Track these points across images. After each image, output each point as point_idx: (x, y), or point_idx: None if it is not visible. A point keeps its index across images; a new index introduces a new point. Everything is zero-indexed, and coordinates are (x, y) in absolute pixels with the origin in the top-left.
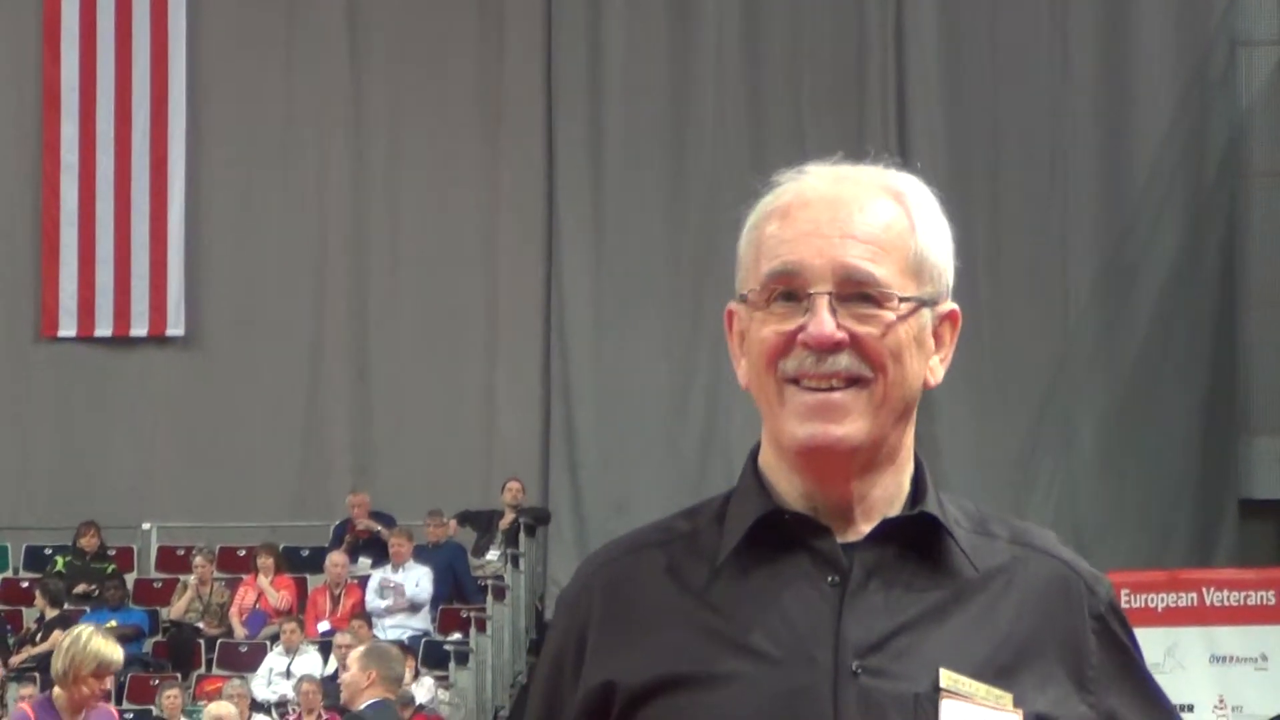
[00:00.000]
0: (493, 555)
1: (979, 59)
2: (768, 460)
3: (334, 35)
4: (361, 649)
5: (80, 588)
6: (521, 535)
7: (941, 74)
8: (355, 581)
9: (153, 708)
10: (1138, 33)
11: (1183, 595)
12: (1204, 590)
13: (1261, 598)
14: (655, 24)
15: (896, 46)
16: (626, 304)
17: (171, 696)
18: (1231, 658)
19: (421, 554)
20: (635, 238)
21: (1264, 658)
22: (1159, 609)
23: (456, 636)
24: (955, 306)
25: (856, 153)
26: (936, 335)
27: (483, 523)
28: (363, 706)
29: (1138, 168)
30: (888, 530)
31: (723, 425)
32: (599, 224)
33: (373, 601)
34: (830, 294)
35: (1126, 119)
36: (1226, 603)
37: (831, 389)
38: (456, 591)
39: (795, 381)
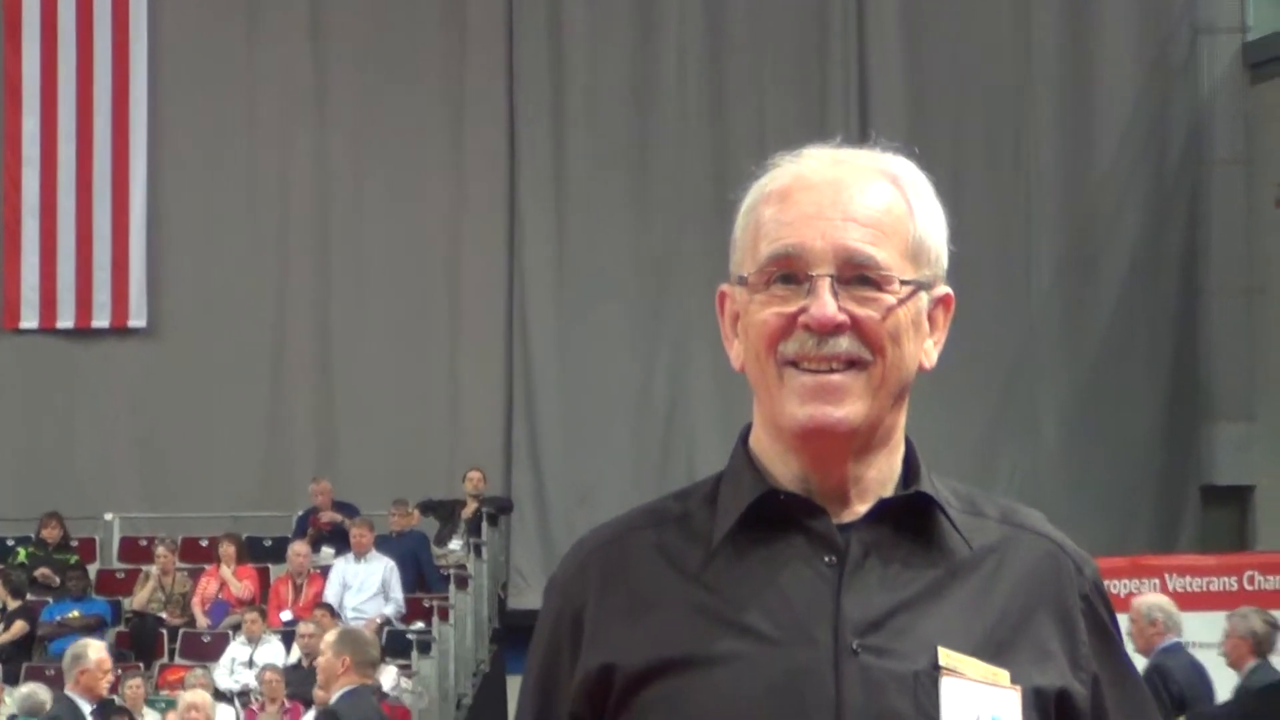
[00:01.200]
0: (455, 544)
1: (941, 47)
2: (760, 442)
3: (296, 29)
4: (334, 634)
5: (41, 571)
6: (484, 525)
7: (904, 62)
8: (318, 571)
9: (115, 698)
10: (1100, 20)
11: (1145, 581)
12: (1166, 576)
13: (1223, 583)
14: (617, 17)
15: (858, 34)
16: (589, 295)
17: (134, 686)
18: (1194, 643)
19: (384, 544)
20: (598, 229)
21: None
22: (1121, 594)
23: (419, 625)
24: (949, 290)
25: (819, 141)
26: (931, 318)
27: (445, 512)
28: (337, 695)
29: (1100, 155)
30: (884, 510)
31: (685, 417)
32: (562, 215)
33: (335, 593)
34: (832, 276)
35: (1089, 106)
36: (1189, 588)
37: (831, 371)
38: (419, 581)
39: (795, 364)
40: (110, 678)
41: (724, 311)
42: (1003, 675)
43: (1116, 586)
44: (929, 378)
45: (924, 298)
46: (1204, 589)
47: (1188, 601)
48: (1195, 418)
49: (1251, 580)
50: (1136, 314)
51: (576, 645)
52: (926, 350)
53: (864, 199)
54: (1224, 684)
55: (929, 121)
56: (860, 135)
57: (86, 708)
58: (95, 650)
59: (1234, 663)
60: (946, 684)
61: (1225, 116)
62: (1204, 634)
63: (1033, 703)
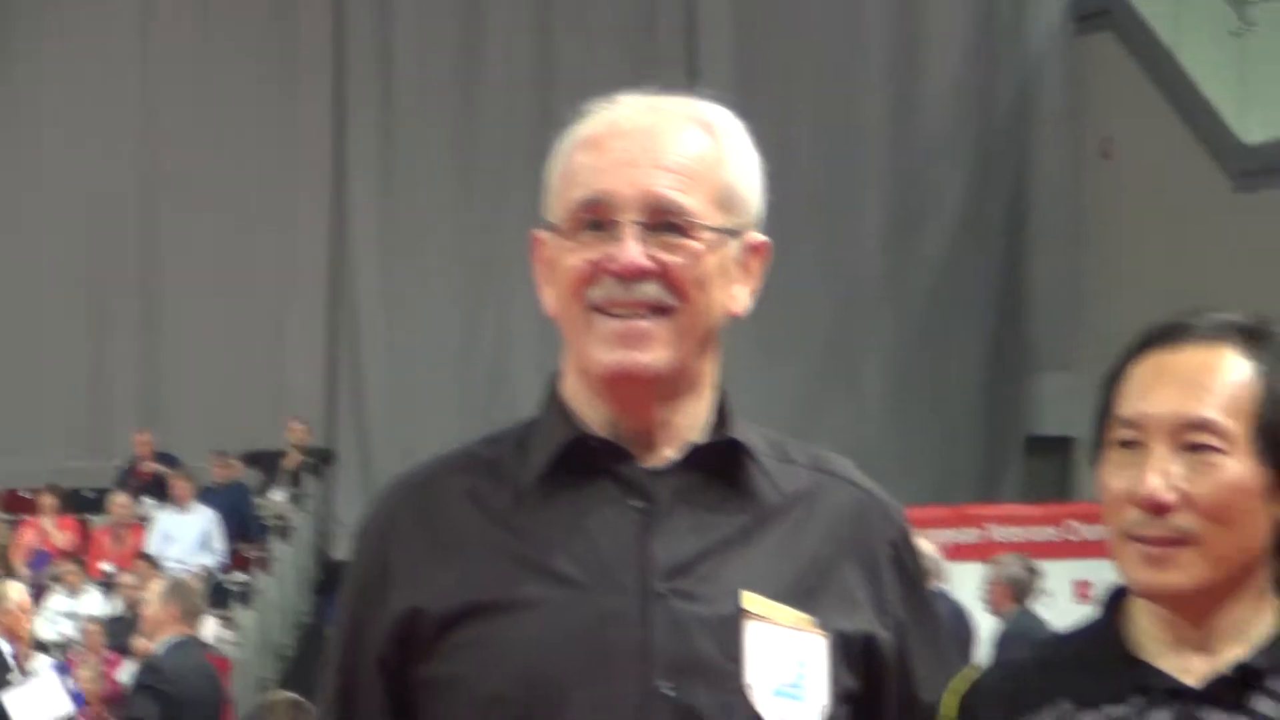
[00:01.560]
0: (278, 495)
1: (770, 3)
2: (571, 388)
3: None
4: (164, 583)
5: None
6: (307, 476)
7: (733, 16)
8: (139, 522)
9: None
10: None
11: (966, 531)
12: (987, 526)
13: (1044, 533)
14: None
15: None
16: (414, 246)
17: None
18: None
19: (206, 494)
20: (424, 179)
21: (1047, 593)
22: (943, 544)
23: (241, 576)
24: (764, 238)
25: (645, 77)
26: (743, 266)
27: (268, 463)
28: (161, 644)
29: (927, 108)
30: (693, 456)
31: (510, 369)
32: (387, 165)
33: (156, 544)
34: (638, 223)
35: (917, 63)
36: (1010, 538)
37: (637, 317)
38: (241, 531)
39: (602, 309)
40: (30, 618)
41: (539, 257)
42: (809, 620)
43: (940, 536)
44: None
45: (734, 245)
46: (1026, 538)
47: (1009, 551)
48: (1019, 369)
49: (1072, 529)
50: (962, 266)
51: (385, 589)
52: (737, 297)
53: (675, 146)
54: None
55: (757, 75)
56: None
57: (7, 649)
58: (15, 591)
59: (995, 609)
60: (752, 629)
61: (1052, 69)
62: None
63: (839, 648)
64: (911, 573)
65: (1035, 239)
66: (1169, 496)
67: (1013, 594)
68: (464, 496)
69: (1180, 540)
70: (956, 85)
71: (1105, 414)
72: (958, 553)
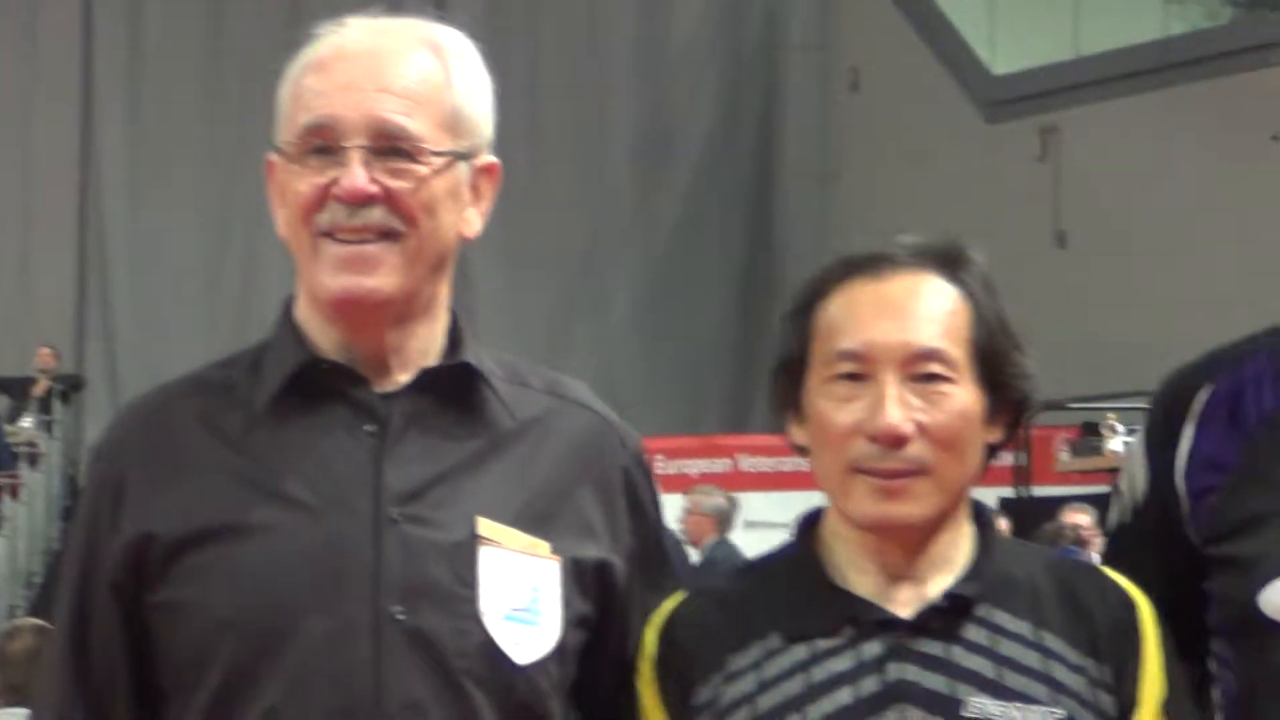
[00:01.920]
0: (27, 422)
1: None
2: (303, 312)
3: None
4: None
5: None
6: (56, 402)
7: None
8: None
9: None
10: None
11: (717, 461)
12: (737, 456)
13: (794, 464)
14: None
15: None
16: (162, 170)
17: None
18: (764, 522)
19: None
20: (171, 105)
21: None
22: (694, 474)
23: None
24: (495, 160)
25: (394, 9)
26: (474, 188)
27: (16, 389)
28: None
29: (676, 36)
30: (426, 380)
31: (259, 293)
32: (134, 88)
33: None
34: (363, 147)
35: None
36: (759, 469)
37: (364, 242)
38: None
39: (329, 234)
40: None
41: (273, 181)
42: (542, 546)
43: (688, 466)
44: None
45: (463, 168)
46: (774, 469)
47: (759, 481)
48: (768, 299)
49: None
50: (711, 195)
51: (117, 513)
52: (468, 219)
53: (400, 69)
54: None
55: (507, 3)
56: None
57: None
58: None
59: (694, 539)
60: (485, 554)
61: (801, 2)
62: (775, 514)
63: (572, 573)
64: (643, 498)
65: (783, 169)
66: (908, 428)
67: (715, 524)
68: (196, 420)
69: (916, 471)
70: (706, 13)
71: (803, 343)
72: (709, 483)
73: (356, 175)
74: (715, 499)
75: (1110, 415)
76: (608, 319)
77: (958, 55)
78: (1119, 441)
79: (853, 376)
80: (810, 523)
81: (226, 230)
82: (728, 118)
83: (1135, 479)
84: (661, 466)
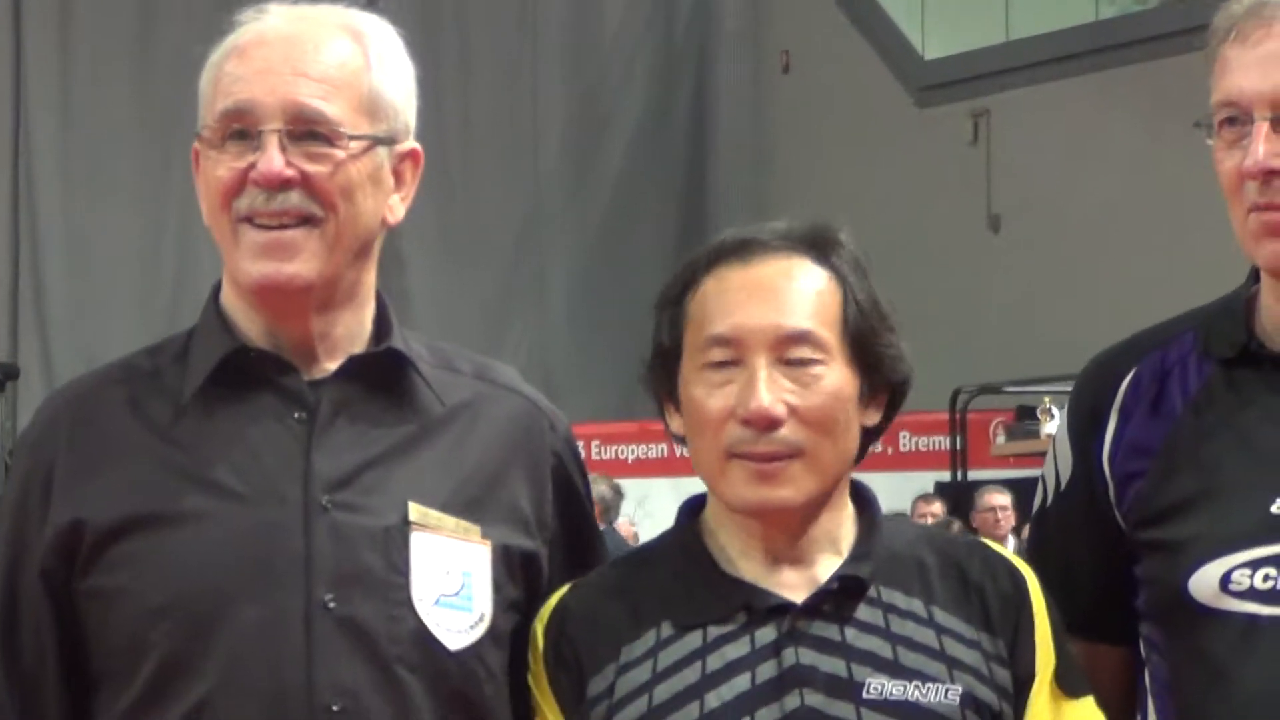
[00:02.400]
0: None
1: None
2: (229, 299)
3: None
4: None
5: None
6: None
7: None
8: None
9: None
10: None
11: (653, 446)
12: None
13: None
14: None
15: None
16: (96, 153)
17: None
18: None
19: None
20: (104, 91)
21: None
22: (630, 460)
23: None
24: (417, 145)
25: None
26: (397, 174)
27: None
28: None
29: (608, 18)
30: (354, 367)
31: (193, 282)
32: (66, 76)
33: None
34: (280, 131)
35: None
36: None
37: (283, 227)
38: None
39: (248, 220)
40: None
41: (199, 169)
42: (474, 531)
43: (626, 452)
44: (436, 242)
45: (383, 153)
46: None
47: (693, 467)
48: None
49: None
50: (644, 180)
51: (46, 501)
52: (391, 205)
53: (318, 54)
54: None
55: None
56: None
57: None
58: None
59: None
60: (416, 539)
61: None
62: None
63: (502, 559)
64: (573, 481)
65: (716, 153)
66: (780, 410)
67: (600, 514)
68: (125, 408)
69: (790, 454)
70: None
71: (677, 331)
72: (644, 469)
73: (273, 159)
74: (599, 487)
75: (1046, 399)
76: (542, 305)
77: (889, 39)
78: (1055, 425)
79: (723, 363)
80: (692, 509)
81: (161, 219)
82: (660, 102)
83: (1059, 464)
84: (597, 452)
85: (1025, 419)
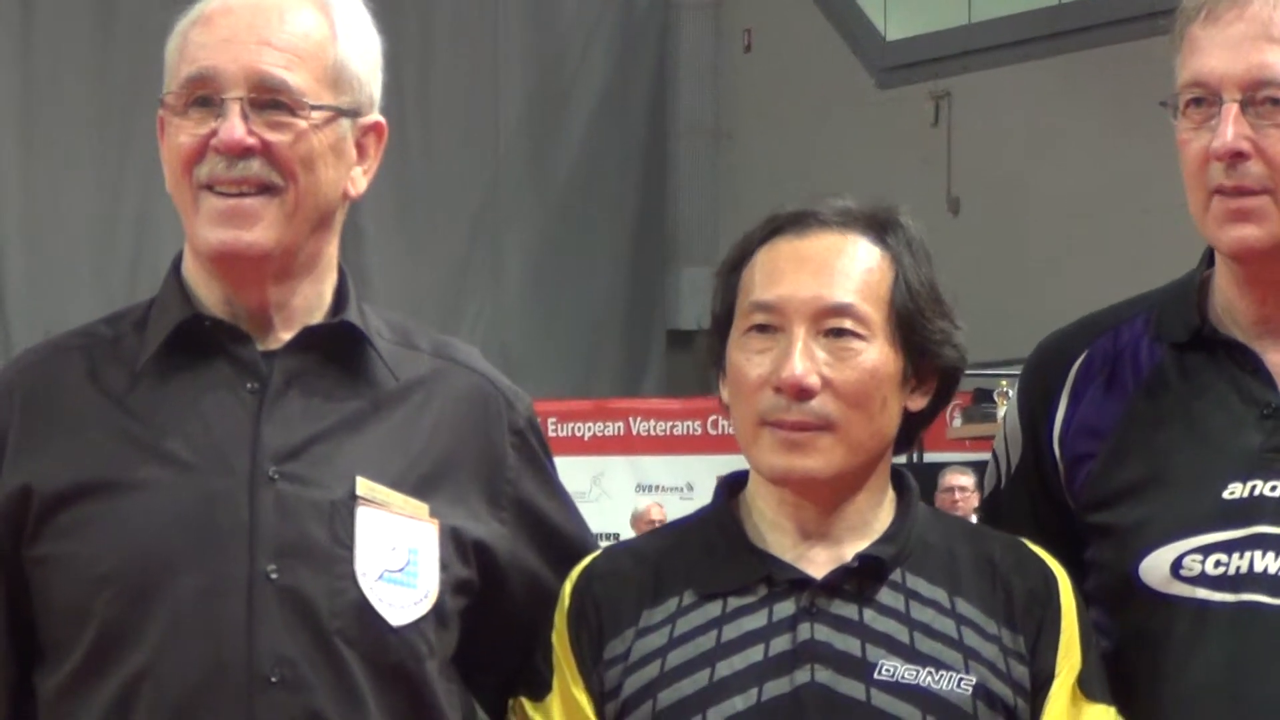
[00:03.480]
0: None
1: None
2: (190, 268)
3: None
4: None
5: None
6: None
7: None
8: None
9: None
10: None
11: (610, 424)
12: (631, 420)
13: (687, 427)
14: None
15: None
16: (53, 123)
17: None
18: (658, 486)
19: None
20: (63, 61)
21: (689, 487)
22: (586, 438)
23: None
24: (380, 119)
25: None
26: (360, 146)
27: None
28: None
29: None
30: (308, 338)
31: (152, 253)
32: (25, 47)
33: None
34: (243, 100)
35: None
36: (653, 432)
37: (243, 195)
38: None
39: (209, 188)
40: None
41: (164, 137)
42: (422, 508)
43: (582, 430)
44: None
45: (346, 124)
46: (668, 432)
47: (652, 445)
48: (661, 261)
49: (715, 424)
50: (604, 156)
51: None
52: (353, 178)
53: (283, 24)
54: None
55: None
56: None
57: None
58: None
59: None
60: (363, 513)
61: None
62: (667, 478)
63: (451, 538)
64: (538, 458)
65: (677, 131)
66: (813, 381)
67: None
68: (82, 376)
69: (820, 425)
70: None
71: (729, 300)
72: (601, 446)
73: (234, 126)
74: None
75: (1003, 382)
76: (500, 281)
77: (851, 20)
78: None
79: (764, 328)
80: (731, 484)
81: (119, 190)
82: (621, 80)
83: (1010, 446)
84: (553, 429)
85: (982, 401)
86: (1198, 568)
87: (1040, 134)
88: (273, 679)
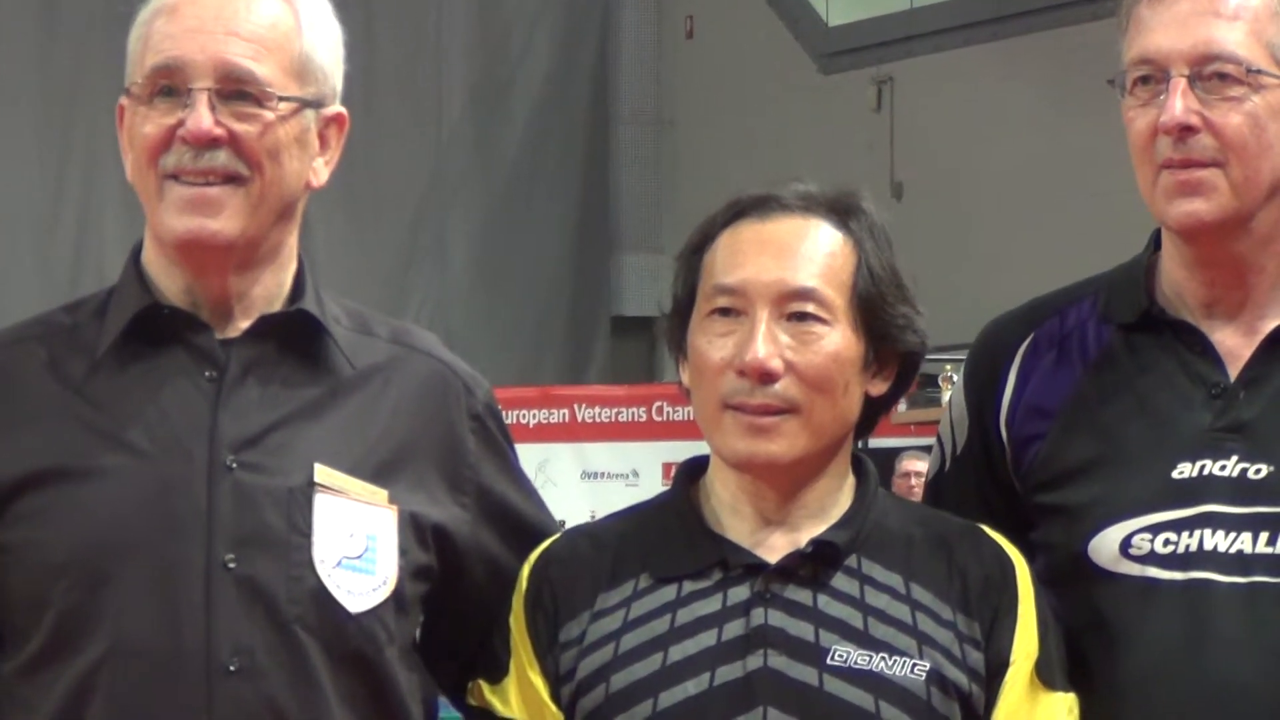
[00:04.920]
0: None
1: None
2: (150, 256)
3: None
4: None
5: None
6: None
7: None
8: None
9: None
10: None
11: (555, 411)
12: (576, 407)
13: (632, 414)
14: None
15: None
16: None
17: None
18: (603, 474)
19: None
20: (5, 47)
21: (635, 474)
22: (531, 425)
23: None
24: (342, 110)
25: None
26: (322, 137)
27: None
28: None
29: None
30: (266, 327)
31: (95, 245)
32: None
33: None
34: (210, 90)
35: None
36: (598, 419)
37: (208, 184)
38: None
39: (174, 176)
40: None
41: (123, 125)
42: (381, 494)
43: (527, 417)
44: (339, 203)
45: (310, 115)
46: (613, 419)
47: (598, 432)
48: (604, 249)
49: (660, 411)
50: (547, 144)
51: None
52: (316, 169)
53: (249, 14)
54: None
55: None
56: None
57: None
58: None
59: None
60: (320, 500)
61: None
62: (612, 464)
63: (410, 524)
64: (498, 442)
65: (620, 117)
66: (776, 364)
67: None
68: (40, 363)
69: (783, 409)
70: None
71: (691, 283)
72: (546, 434)
73: (202, 116)
74: None
75: (947, 367)
76: (444, 268)
77: (793, 5)
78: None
79: (726, 311)
80: (691, 469)
81: (62, 185)
82: (563, 66)
83: (955, 429)
84: None
85: (927, 387)
86: (1147, 546)
87: (983, 118)
88: (231, 667)
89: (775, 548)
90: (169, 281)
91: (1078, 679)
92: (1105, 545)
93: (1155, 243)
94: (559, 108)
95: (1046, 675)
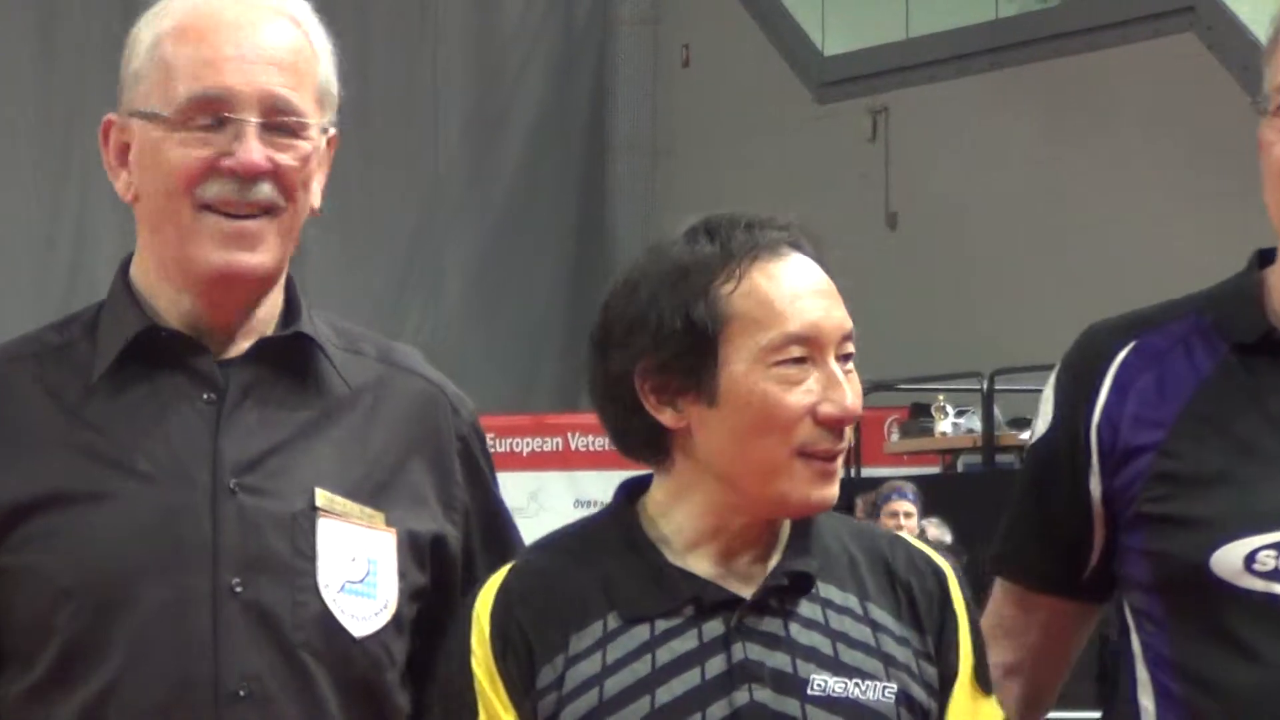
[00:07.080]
0: None
1: None
2: (147, 277)
3: None
4: None
5: None
6: None
7: None
8: None
9: None
10: None
11: (548, 440)
12: (569, 435)
13: None
14: None
15: None
16: None
17: None
18: (594, 501)
19: None
20: (4, 69)
21: None
22: (524, 453)
23: None
24: (334, 131)
25: None
26: (323, 161)
27: None
28: None
29: (508, 11)
30: (263, 349)
31: (90, 262)
32: None
33: None
34: (257, 122)
35: None
36: (590, 447)
37: (250, 218)
38: None
39: (213, 208)
40: None
41: (108, 142)
42: (378, 517)
43: (520, 445)
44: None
45: (323, 140)
46: (605, 448)
47: (590, 460)
48: (599, 277)
49: None
50: (543, 172)
51: None
52: (316, 193)
53: (276, 41)
54: None
55: None
56: None
57: None
58: None
59: None
60: (323, 525)
61: None
62: (607, 493)
63: (408, 545)
64: (479, 464)
65: (615, 146)
66: (855, 405)
67: None
68: (33, 384)
69: (840, 452)
70: None
71: (712, 325)
72: (539, 462)
73: (253, 150)
74: None
75: (940, 396)
76: (439, 296)
77: (789, 35)
78: (949, 423)
79: (800, 359)
80: (630, 491)
81: (58, 203)
82: (559, 94)
83: (1041, 414)
84: (493, 445)
85: (919, 416)
86: (1272, 563)
87: (977, 149)
88: (240, 693)
89: (742, 576)
90: (169, 304)
91: (1194, 690)
92: (1229, 559)
93: (1260, 261)
94: (555, 136)
95: (982, 681)
